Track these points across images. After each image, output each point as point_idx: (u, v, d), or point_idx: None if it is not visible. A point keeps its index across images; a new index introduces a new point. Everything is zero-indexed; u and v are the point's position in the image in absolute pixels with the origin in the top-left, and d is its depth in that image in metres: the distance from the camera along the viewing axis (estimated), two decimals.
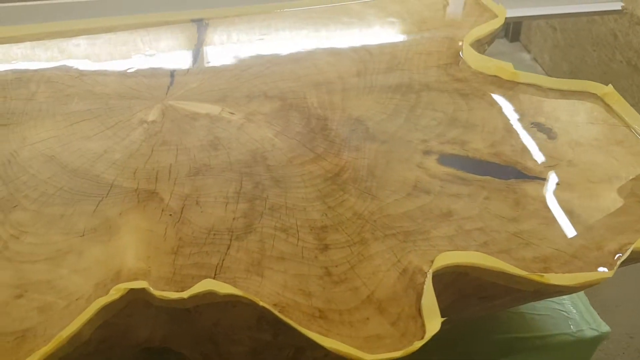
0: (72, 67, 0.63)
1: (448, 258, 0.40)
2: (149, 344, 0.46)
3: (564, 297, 0.61)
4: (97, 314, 0.37)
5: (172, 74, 0.62)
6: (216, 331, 0.44)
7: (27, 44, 0.66)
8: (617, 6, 1.54)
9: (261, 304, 0.38)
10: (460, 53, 0.66)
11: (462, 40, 0.68)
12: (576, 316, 0.59)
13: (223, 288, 0.38)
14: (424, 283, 0.40)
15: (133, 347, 0.46)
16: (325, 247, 0.43)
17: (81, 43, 0.67)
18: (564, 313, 0.59)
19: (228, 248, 0.43)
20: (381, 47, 0.68)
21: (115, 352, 0.45)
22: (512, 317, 0.58)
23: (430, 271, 0.40)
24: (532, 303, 0.60)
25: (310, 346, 0.48)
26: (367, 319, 0.39)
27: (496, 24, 0.70)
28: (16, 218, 0.45)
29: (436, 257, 0.40)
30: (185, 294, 0.38)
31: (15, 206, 0.46)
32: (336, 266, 0.42)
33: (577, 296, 0.61)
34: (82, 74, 0.62)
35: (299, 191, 0.48)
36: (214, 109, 0.57)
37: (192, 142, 0.53)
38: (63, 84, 0.60)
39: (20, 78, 0.61)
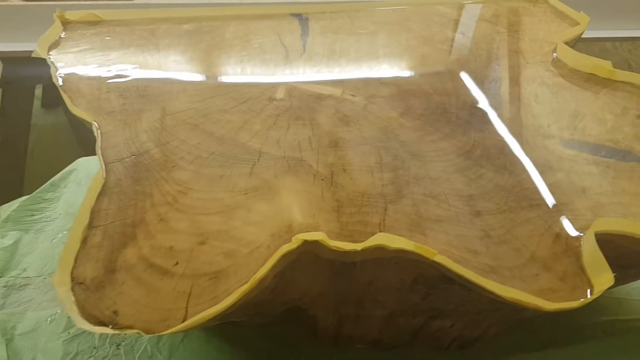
0: (192, 46, 0.65)
1: (604, 224, 0.43)
2: (296, 303, 0.48)
3: None
4: (279, 260, 0.39)
5: (287, 59, 0.65)
6: (368, 290, 0.46)
7: (144, 27, 0.69)
8: None
9: (436, 257, 0.40)
10: (553, 53, 0.69)
11: (552, 41, 0.71)
12: None
13: (397, 242, 0.40)
14: (579, 247, 0.43)
15: (283, 305, 0.48)
16: (478, 213, 0.46)
17: (191, 28, 0.69)
18: None
19: (385, 210, 0.45)
20: (476, 44, 0.71)
21: (268, 308, 0.47)
22: (611, 301, 0.61)
23: (592, 231, 0.42)
24: (627, 289, 0.63)
25: (442, 314, 0.50)
26: (537, 275, 0.41)
27: (580, 29, 0.74)
28: (178, 176, 0.47)
29: (594, 222, 0.43)
30: (359, 246, 0.40)
31: (174, 166, 0.48)
32: (493, 229, 0.44)
33: None
34: (200, 57, 0.64)
35: (437, 164, 0.51)
36: (336, 91, 0.60)
37: (323, 119, 0.55)
38: (186, 63, 0.63)
39: (144, 54, 0.63)
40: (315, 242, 0.40)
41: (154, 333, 0.35)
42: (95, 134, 0.50)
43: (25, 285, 0.60)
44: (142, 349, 0.53)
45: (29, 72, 1.33)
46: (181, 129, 0.52)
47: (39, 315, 0.56)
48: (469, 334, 0.54)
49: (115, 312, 0.36)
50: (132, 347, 0.53)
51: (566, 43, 0.73)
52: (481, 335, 0.54)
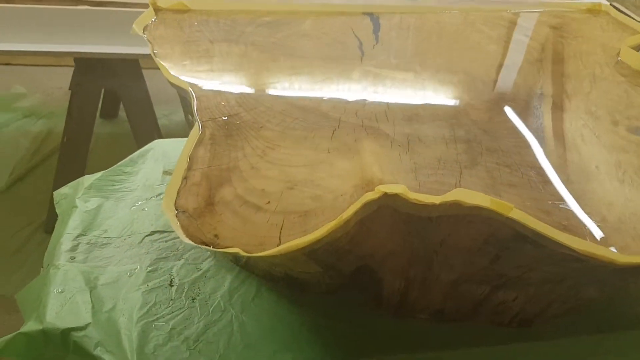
0: (273, 34, 0.70)
1: None
2: (367, 261, 0.51)
3: None
4: (362, 207, 0.42)
5: (361, 48, 0.69)
6: (439, 250, 0.48)
7: (227, 17, 0.74)
8: None
9: (512, 213, 0.42)
10: (617, 57, 0.72)
11: (614, 47, 0.74)
12: None
13: (474, 197, 0.42)
14: None
15: (357, 260, 0.50)
16: (547, 182, 0.48)
17: (271, 20, 0.74)
18: None
19: (460, 174, 0.48)
20: (542, 44, 0.74)
21: (343, 262, 0.50)
22: None
23: None
24: None
25: (507, 283, 0.51)
26: (608, 235, 0.43)
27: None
28: (266, 135, 0.51)
29: None
30: (437, 199, 0.42)
31: (261, 127, 0.52)
32: (565, 195, 0.46)
33: None
34: (281, 42, 0.69)
35: (508, 140, 0.53)
36: (408, 76, 0.63)
37: (398, 98, 0.59)
38: (268, 48, 0.67)
39: (229, 38, 0.68)
40: (395, 196, 0.43)
41: (252, 253, 0.38)
42: (191, 97, 0.54)
43: (106, 244, 0.64)
44: (215, 303, 0.56)
45: (97, 75, 1.41)
46: (266, 98, 0.56)
47: (120, 270, 0.60)
48: (530, 310, 0.55)
49: (216, 236, 0.40)
50: (206, 301, 0.57)
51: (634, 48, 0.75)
52: (541, 312, 0.55)
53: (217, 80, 0.59)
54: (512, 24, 0.80)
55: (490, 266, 0.48)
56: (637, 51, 0.77)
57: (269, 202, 0.43)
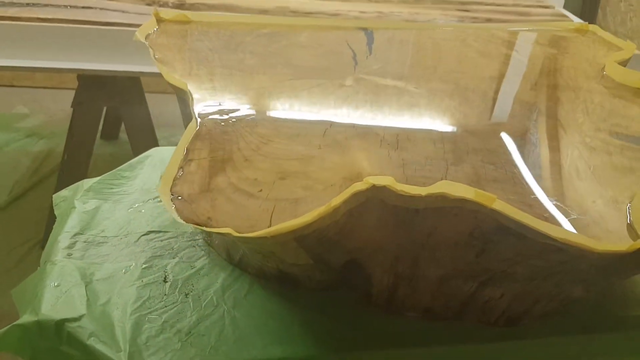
0: (270, 44, 0.73)
1: None
2: (356, 255, 0.52)
3: None
4: (350, 196, 0.44)
5: (355, 59, 0.72)
6: (426, 243, 0.49)
7: (227, 28, 0.77)
8: None
9: (495, 204, 0.44)
10: (602, 71, 0.74)
11: (600, 62, 0.76)
12: None
13: (459, 189, 0.44)
14: (627, 210, 0.46)
15: (346, 254, 0.52)
16: (533, 179, 0.50)
17: (269, 32, 0.77)
18: None
19: (447, 170, 0.50)
20: (530, 59, 0.77)
21: (332, 255, 0.51)
22: None
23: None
24: None
25: (493, 278, 0.53)
26: (587, 225, 0.44)
27: (627, 54, 0.79)
28: (260, 132, 0.53)
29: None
30: (423, 191, 0.44)
31: (256, 125, 0.54)
32: (548, 191, 0.48)
33: None
34: (278, 51, 0.72)
35: (494, 141, 0.55)
36: (399, 84, 0.66)
37: (389, 102, 0.61)
38: (265, 56, 0.70)
39: (228, 47, 0.71)
40: (383, 187, 0.45)
41: (243, 234, 0.40)
42: (189, 96, 0.57)
43: (103, 242, 0.65)
44: (208, 299, 0.57)
45: (100, 93, 1.44)
46: (261, 99, 0.59)
47: (115, 267, 0.61)
48: (516, 308, 0.56)
49: (209, 218, 0.41)
50: (199, 297, 0.58)
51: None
52: (527, 311, 0.56)
53: (215, 83, 0.61)
54: (504, 41, 0.83)
55: (475, 260, 0.50)
56: (624, 66, 0.80)
57: (261, 190, 0.45)
